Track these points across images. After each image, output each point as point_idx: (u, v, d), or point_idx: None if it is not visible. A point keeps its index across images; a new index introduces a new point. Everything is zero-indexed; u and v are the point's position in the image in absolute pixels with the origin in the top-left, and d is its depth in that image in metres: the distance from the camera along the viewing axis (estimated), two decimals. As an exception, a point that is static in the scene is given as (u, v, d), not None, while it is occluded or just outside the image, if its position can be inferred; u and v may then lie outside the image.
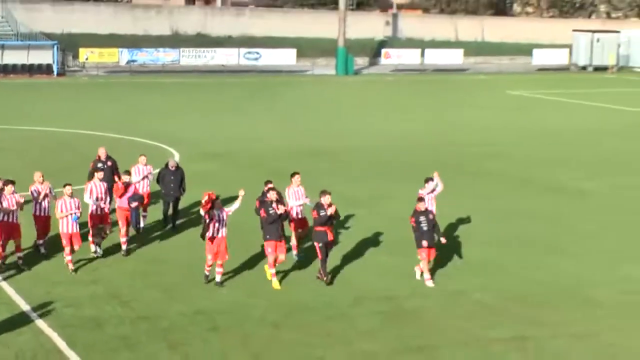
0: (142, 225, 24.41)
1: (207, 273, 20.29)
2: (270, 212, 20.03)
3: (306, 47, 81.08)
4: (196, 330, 17.78)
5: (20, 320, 17.90)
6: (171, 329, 17.82)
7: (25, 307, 18.69)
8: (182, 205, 25.73)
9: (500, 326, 18.41)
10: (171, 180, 24.71)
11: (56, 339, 17.04)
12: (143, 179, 24.51)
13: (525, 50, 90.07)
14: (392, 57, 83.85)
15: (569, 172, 35.07)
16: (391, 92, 65.07)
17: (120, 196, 22.36)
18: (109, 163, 25.15)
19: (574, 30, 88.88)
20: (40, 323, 17.87)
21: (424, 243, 20.26)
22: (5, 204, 20.72)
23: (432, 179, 22.73)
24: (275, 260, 20.18)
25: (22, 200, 21.19)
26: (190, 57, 75.95)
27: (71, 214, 20.45)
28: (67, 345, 16.76)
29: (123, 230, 22.34)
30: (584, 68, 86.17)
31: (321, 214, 20.00)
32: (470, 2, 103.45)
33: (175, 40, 79.81)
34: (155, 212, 25.67)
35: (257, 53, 78.23)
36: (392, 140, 41.28)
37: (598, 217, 27.98)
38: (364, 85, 69.48)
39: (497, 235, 25.28)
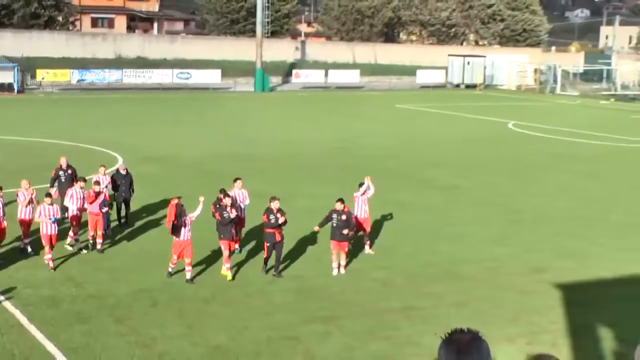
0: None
1: (171, 270, 19.62)
2: (225, 215, 19.80)
3: (229, 68, 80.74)
4: (139, 306, 17.65)
5: (-13, 300, 17.56)
6: (117, 305, 17.66)
7: (-9, 289, 18.33)
8: (132, 204, 25.28)
9: (392, 299, 18.61)
10: (122, 183, 24.31)
11: (19, 316, 16.80)
12: (106, 186, 23.91)
13: (410, 71, 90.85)
14: (301, 77, 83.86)
15: (444, 171, 35.47)
16: (301, 106, 65.13)
17: (91, 203, 21.71)
18: (69, 171, 24.49)
19: (449, 55, 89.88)
20: (5, 303, 17.56)
21: (332, 237, 20.09)
22: None
23: (363, 183, 22.42)
24: (229, 255, 19.87)
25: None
26: (131, 77, 74.94)
27: (49, 219, 19.94)
28: (28, 320, 16.56)
29: (100, 232, 21.61)
30: (457, 86, 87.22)
31: (270, 218, 19.59)
32: (365, 31, 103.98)
33: (119, 63, 78.83)
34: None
35: (188, 73, 77.55)
36: (301, 146, 41.28)
37: (467, 208, 28.41)
38: (278, 100, 69.42)
39: (389, 224, 25.47)
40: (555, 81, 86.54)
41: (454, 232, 24.78)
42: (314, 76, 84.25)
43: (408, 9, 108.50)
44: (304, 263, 21.20)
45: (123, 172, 24.69)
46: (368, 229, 22.45)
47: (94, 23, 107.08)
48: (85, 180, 22.63)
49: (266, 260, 20.10)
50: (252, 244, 22.48)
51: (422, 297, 18.72)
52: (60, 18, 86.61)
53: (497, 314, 17.38)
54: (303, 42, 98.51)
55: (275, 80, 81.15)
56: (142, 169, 31.82)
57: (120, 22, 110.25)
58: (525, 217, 27.17)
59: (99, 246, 21.65)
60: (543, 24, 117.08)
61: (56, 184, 24.12)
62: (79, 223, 21.78)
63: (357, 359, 15.19)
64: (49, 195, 20.67)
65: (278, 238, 19.77)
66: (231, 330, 16.36)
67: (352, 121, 54.09)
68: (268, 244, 19.87)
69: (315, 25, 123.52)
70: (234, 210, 19.99)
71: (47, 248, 20.02)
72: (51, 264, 19.98)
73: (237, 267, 20.51)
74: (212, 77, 77.87)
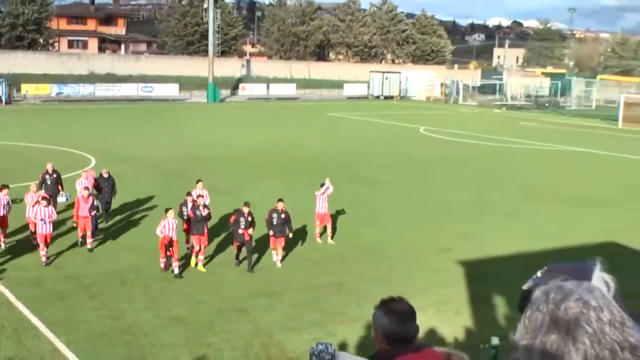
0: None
1: (162, 265, 18.73)
2: (197, 213, 19.18)
3: (185, 83, 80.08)
4: (110, 284, 17.43)
5: (-21, 283, 17.15)
6: (92, 284, 17.42)
7: (-17, 273, 17.90)
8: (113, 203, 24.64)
9: (324, 276, 18.67)
10: (105, 186, 23.39)
11: (8, 294, 16.47)
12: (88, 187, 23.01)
13: (338, 85, 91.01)
14: (246, 90, 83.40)
15: (367, 168, 35.65)
16: (246, 114, 64.79)
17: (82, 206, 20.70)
18: (55, 175, 23.64)
19: (371, 71, 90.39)
20: (-5, 284, 17.19)
21: (272, 233, 19.55)
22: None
23: (324, 183, 21.99)
24: (200, 250, 19.14)
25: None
26: (102, 90, 73.69)
27: (43, 219, 19.17)
28: (16, 298, 16.23)
29: (89, 232, 20.55)
30: (377, 97, 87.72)
31: (240, 220, 19.03)
32: (300, 51, 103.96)
33: (92, 78, 77.63)
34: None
35: (151, 87, 76.55)
36: (247, 148, 41.07)
37: (388, 199, 28.62)
38: (227, 109, 68.98)
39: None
40: (457, 93, 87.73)
41: (376, 219, 24.92)
42: (257, 89, 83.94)
43: (336, 32, 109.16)
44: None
45: (106, 175, 23.65)
46: (330, 222, 22.11)
47: (70, 45, 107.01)
48: (88, 189, 21.46)
49: (237, 256, 19.34)
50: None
51: (349, 274, 18.80)
52: (41, 40, 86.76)
53: (410, 287, 17.50)
54: (248, 61, 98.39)
55: (224, 92, 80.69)
56: (112, 168, 31.13)
57: (93, 44, 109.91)
58: (433, 206, 27.46)
59: (89, 245, 20.60)
60: (447, 46, 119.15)
61: (43, 186, 23.46)
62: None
63: (295, 326, 15.21)
64: (44, 198, 19.97)
65: (247, 238, 19.00)
66: (189, 304, 16.23)
67: (290, 127, 54.02)
68: (238, 244, 19.14)
69: (258, 46, 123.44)
70: (205, 210, 19.41)
71: (42, 245, 19.35)
72: (44, 259, 19.26)
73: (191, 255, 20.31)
74: (171, 90, 77.08)
